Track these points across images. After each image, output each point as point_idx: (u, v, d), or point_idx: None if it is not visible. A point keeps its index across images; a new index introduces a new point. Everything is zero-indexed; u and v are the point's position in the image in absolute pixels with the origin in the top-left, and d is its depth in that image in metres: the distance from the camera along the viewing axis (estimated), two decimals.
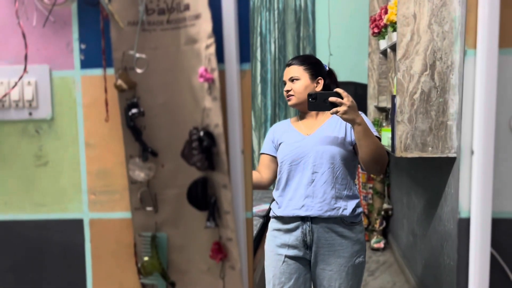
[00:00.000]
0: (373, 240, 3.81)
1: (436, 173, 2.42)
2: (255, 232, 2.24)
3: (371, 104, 3.40)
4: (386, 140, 2.54)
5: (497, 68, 0.76)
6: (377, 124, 3.12)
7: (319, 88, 1.65)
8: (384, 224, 3.89)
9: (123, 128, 0.87)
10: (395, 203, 3.76)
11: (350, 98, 1.45)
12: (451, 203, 2.20)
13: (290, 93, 1.65)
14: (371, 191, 3.90)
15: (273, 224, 1.72)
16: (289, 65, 1.69)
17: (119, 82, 0.83)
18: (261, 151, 1.78)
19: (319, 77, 1.66)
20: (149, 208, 0.89)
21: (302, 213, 1.59)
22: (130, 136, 0.87)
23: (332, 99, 1.44)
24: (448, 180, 2.24)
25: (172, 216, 0.89)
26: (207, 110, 0.83)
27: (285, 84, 1.68)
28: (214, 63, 0.81)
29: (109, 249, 0.93)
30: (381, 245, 3.79)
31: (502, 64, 0.77)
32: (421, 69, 2.15)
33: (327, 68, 1.74)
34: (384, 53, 3.07)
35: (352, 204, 1.61)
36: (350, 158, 1.63)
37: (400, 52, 2.16)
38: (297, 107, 1.69)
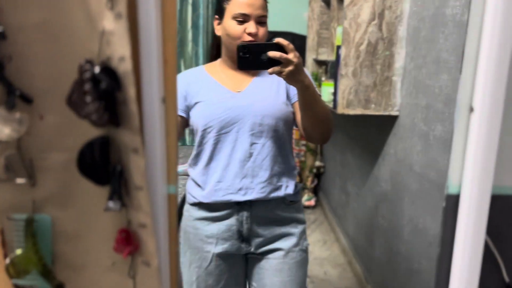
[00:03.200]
0: (304, 197, 3.76)
1: (376, 132, 2.32)
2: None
3: (309, 57, 3.20)
4: (327, 96, 2.37)
5: None
6: (315, 78, 2.95)
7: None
8: (316, 182, 3.85)
9: None
10: (327, 160, 3.69)
11: (297, 54, 1.05)
12: (390, 164, 2.11)
13: (255, 38, 1.18)
14: (304, 148, 3.80)
15: (193, 211, 1.28)
16: None
17: None
18: None
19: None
20: (20, 180, 0.60)
21: (240, 197, 1.22)
22: None
23: (272, 53, 1.03)
24: (388, 139, 2.13)
25: (59, 192, 0.61)
26: (108, 35, 0.54)
27: (241, 21, 1.18)
28: None
29: None
30: (312, 202, 3.76)
31: None
32: (369, 18, 1.96)
33: None
34: (326, 1, 2.85)
35: (293, 178, 1.30)
36: (291, 121, 1.27)
37: None
38: None
